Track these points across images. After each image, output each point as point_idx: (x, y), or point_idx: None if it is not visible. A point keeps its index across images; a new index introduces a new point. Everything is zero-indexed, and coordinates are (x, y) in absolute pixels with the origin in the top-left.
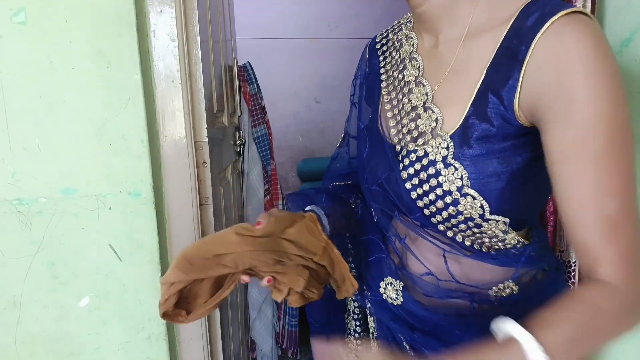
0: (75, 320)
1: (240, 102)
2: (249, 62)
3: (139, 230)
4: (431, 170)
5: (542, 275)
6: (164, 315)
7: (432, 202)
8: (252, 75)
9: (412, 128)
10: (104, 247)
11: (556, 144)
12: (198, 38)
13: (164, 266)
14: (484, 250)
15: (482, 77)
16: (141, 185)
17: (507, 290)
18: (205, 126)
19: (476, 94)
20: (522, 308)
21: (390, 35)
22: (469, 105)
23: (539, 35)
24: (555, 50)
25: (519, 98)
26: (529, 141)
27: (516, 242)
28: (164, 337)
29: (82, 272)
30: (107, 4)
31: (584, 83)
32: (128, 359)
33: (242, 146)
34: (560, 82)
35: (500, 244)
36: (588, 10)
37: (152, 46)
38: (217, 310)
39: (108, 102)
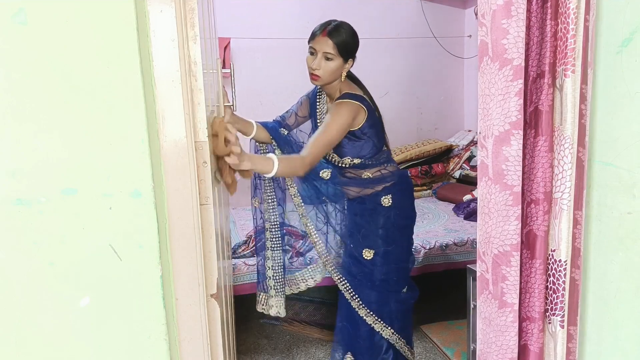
0: (75, 320)
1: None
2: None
3: (139, 230)
4: None
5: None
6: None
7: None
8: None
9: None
10: (104, 247)
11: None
12: (198, 38)
13: (164, 266)
14: (353, 172)
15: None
16: (141, 185)
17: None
18: (206, 126)
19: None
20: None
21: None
22: None
23: (335, 102)
24: (335, 106)
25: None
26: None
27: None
28: (164, 337)
29: (82, 272)
30: (107, 3)
31: (333, 112)
32: (128, 358)
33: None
34: (332, 110)
35: (358, 169)
36: (582, 10)
37: (152, 46)
38: (217, 310)
39: (108, 102)
